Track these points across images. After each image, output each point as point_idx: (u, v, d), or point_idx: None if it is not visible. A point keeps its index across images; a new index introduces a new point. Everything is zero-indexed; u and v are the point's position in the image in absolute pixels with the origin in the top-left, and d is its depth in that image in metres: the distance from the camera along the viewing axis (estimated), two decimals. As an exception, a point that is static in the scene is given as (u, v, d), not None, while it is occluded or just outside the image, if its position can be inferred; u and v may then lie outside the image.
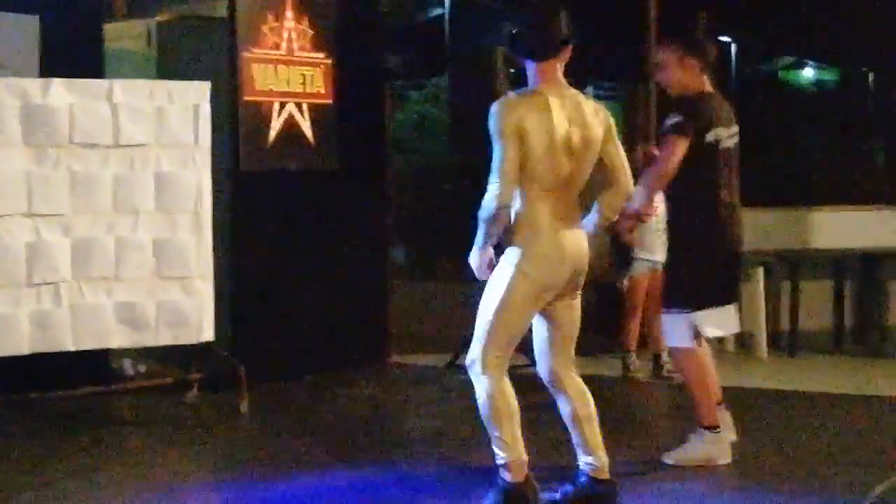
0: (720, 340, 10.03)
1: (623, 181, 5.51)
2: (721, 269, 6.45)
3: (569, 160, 5.32)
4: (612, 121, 5.51)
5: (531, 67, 5.42)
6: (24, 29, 7.89)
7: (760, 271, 9.88)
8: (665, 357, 8.60)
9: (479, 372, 5.39)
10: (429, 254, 15.60)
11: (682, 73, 6.43)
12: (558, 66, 5.40)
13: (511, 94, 5.43)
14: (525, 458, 5.38)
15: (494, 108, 5.29)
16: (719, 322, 6.49)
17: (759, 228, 10.28)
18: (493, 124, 5.25)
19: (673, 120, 6.25)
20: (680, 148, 6.20)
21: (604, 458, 5.52)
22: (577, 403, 5.51)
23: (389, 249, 10.05)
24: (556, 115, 5.29)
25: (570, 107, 5.35)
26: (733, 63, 17.25)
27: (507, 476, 5.36)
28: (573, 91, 5.44)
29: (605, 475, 5.53)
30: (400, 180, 13.75)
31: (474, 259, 5.41)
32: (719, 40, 15.63)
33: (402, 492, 5.98)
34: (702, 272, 6.37)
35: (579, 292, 5.52)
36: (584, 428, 5.51)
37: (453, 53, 10.46)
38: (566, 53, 5.42)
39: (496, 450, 5.38)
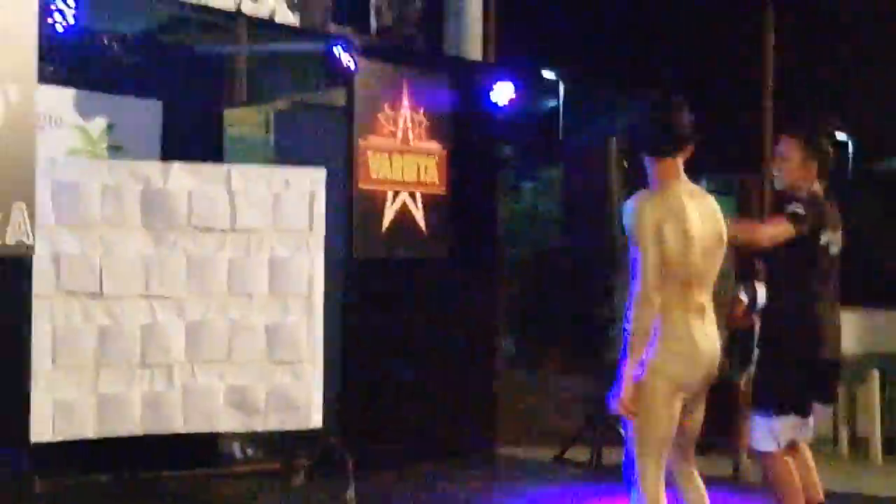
0: (834, 443, 9.85)
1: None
2: (812, 376, 6.32)
3: (703, 257, 5.27)
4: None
5: (652, 164, 5.37)
6: (147, 113, 8.06)
7: (876, 373, 9.66)
8: (745, 459, 8.46)
9: (639, 487, 5.28)
10: (538, 343, 15.52)
11: (801, 170, 6.34)
12: (680, 163, 5.37)
13: (645, 192, 5.33)
14: None
15: (632, 205, 5.23)
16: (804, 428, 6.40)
17: (875, 330, 10.10)
18: (632, 223, 5.19)
19: (794, 208, 6.15)
20: (785, 233, 6.12)
21: None
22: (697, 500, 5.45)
23: (499, 339, 10.01)
24: (691, 212, 5.25)
25: (700, 203, 5.33)
26: (850, 160, 17.03)
27: None
28: (699, 187, 5.43)
29: None
30: (511, 270, 13.71)
31: (625, 388, 5.20)
32: (837, 139, 15.49)
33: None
34: (795, 378, 6.25)
35: (705, 394, 5.44)
36: None
37: (567, 144, 10.49)
38: (689, 149, 5.39)
39: None
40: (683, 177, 5.37)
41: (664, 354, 5.20)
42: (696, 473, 5.49)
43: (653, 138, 5.37)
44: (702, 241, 5.27)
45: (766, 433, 6.27)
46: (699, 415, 5.45)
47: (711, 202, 5.41)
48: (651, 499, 5.25)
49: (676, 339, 5.23)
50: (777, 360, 6.19)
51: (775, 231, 6.16)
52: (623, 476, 5.37)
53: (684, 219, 5.22)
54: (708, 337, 5.32)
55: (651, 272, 5.11)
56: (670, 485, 5.46)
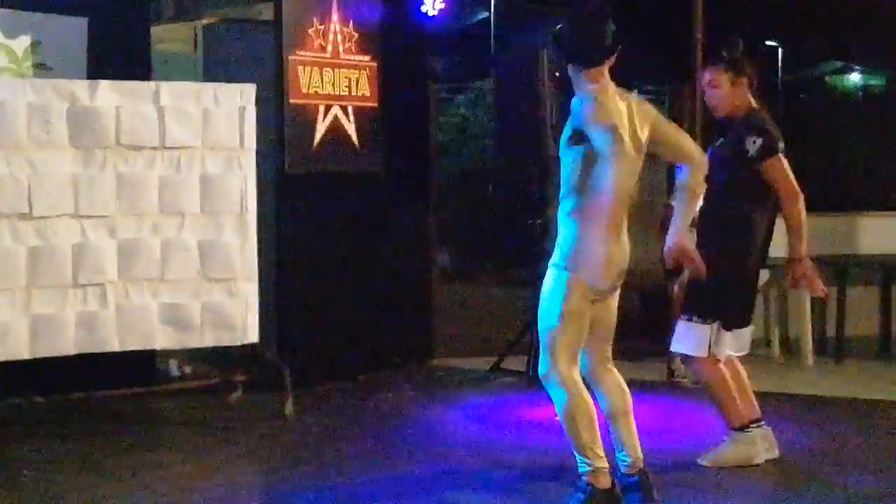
0: (767, 345, 10.00)
1: (694, 151, 5.58)
2: (752, 289, 6.53)
3: (630, 165, 5.39)
4: (653, 108, 5.56)
5: (577, 73, 5.42)
6: (73, 31, 7.95)
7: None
8: (679, 364, 8.59)
9: (555, 381, 5.45)
10: (472, 257, 15.60)
11: (734, 93, 6.48)
12: (604, 70, 5.42)
13: (594, 87, 5.37)
14: (606, 464, 5.47)
15: (588, 97, 5.30)
16: (740, 344, 6.52)
17: (806, 234, 10.22)
18: (591, 110, 5.25)
19: (757, 143, 6.30)
20: (784, 164, 6.31)
21: (637, 454, 5.58)
22: (612, 398, 5.60)
23: (433, 252, 10.05)
24: (625, 119, 5.36)
25: (627, 110, 5.41)
26: (780, 68, 17.15)
27: (592, 482, 5.43)
28: (620, 91, 5.47)
29: (636, 470, 5.57)
30: (443, 184, 13.74)
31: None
32: (766, 45, 15.57)
33: (444, 494, 5.98)
34: (736, 290, 6.44)
35: (615, 293, 5.58)
36: (619, 422, 5.58)
37: (498, 56, 10.47)
38: (613, 59, 5.45)
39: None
40: (612, 83, 5.44)
41: (579, 257, 5.38)
42: (614, 371, 5.64)
43: (579, 47, 5.40)
44: (631, 146, 5.35)
45: (702, 339, 6.38)
46: (609, 315, 5.59)
47: (636, 106, 5.47)
48: (572, 394, 5.42)
49: (585, 249, 5.39)
50: (721, 268, 6.22)
51: (784, 173, 6.33)
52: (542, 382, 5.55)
53: (621, 122, 5.32)
54: (623, 246, 5.47)
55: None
56: (592, 384, 5.62)
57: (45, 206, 6.94)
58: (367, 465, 6.55)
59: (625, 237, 5.48)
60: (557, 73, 8.65)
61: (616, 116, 5.27)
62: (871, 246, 10.57)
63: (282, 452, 6.97)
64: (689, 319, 6.43)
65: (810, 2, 14.35)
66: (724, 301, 6.41)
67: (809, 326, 9.85)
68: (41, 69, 7.78)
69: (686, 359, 6.69)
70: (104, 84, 7.14)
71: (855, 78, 19.52)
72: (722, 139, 6.52)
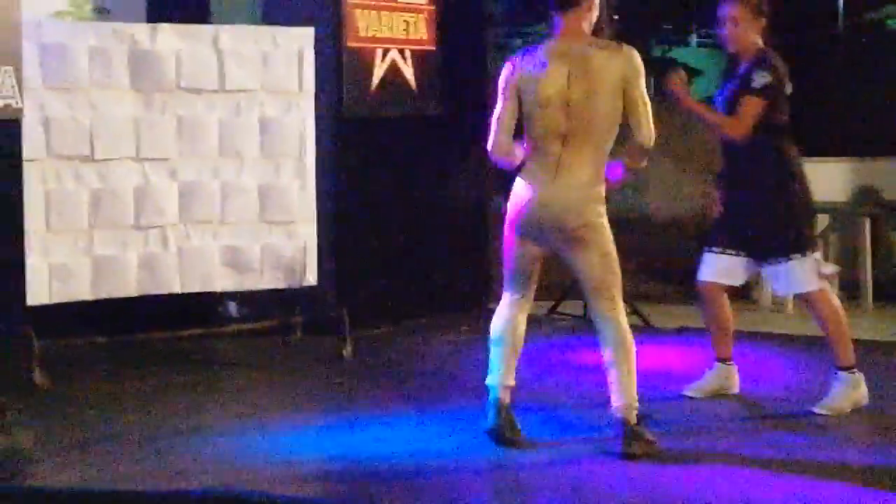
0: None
1: (639, 133, 5.58)
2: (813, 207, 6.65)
3: (565, 115, 5.49)
4: (635, 65, 5.52)
5: (554, 20, 5.58)
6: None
7: (867, 221, 9.73)
8: None
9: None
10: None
11: (752, 31, 6.44)
12: (579, 20, 5.54)
13: (518, 53, 5.74)
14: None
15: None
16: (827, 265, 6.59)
17: (868, 178, 10.15)
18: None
19: (764, 80, 6.27)
20: (760, 110, 6.27)
21: (618, 402, 5.57)
22: (603, 349, 5.63)
23: (490, 196, 10.04)
24: (551, 69, 5.49)
25: (573, 60, 5.49)
26: (840, 11, 16.92)
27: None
28: (584, 43, 5.54)
29: (621, 416, 5.56)
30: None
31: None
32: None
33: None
34: (809, 214, 6.56)
35: (586, 246, 5.55)
36: (609, 369, 5.60)
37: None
38: (585, 7, 5.54)
39: None
40: (579, 34, 5.55)
41: (511, 204, 5.68)
42: (602, 321, 5.63)
43: None
44: (561, 97, 5.48)
45: (807, 273, 6.38)
46: (585, 267, 5.60)
47: (599, 56, 5.49)
48: (493, 324, 5.86)
49: (520, 192, 5.64)
50: (795, 202, 6.40)
51: (753, 115, 6.28)
52: None
53: (541, 74, 5.51)
54: (557, 193, 5.54)
55: (498, 119, 5.71)
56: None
57: (106, 149, 7.02)
58: (423, 404, 6.61)
59: (564, 179, 5.53)
60: (616, 16, 8.61)
61: (525, 77, 5.56)
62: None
63: (337, 393, 7.03)
64: (791, 258, 6.37)
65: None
66: (809, 228, 6.50)
67: (869, 271, 9.77)
68: (101, 13, 7.82)
69: (805, 298, 6.55)
70: (164, 27, 7.19)
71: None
72: (728, 82, 6.47)
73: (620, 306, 5.66)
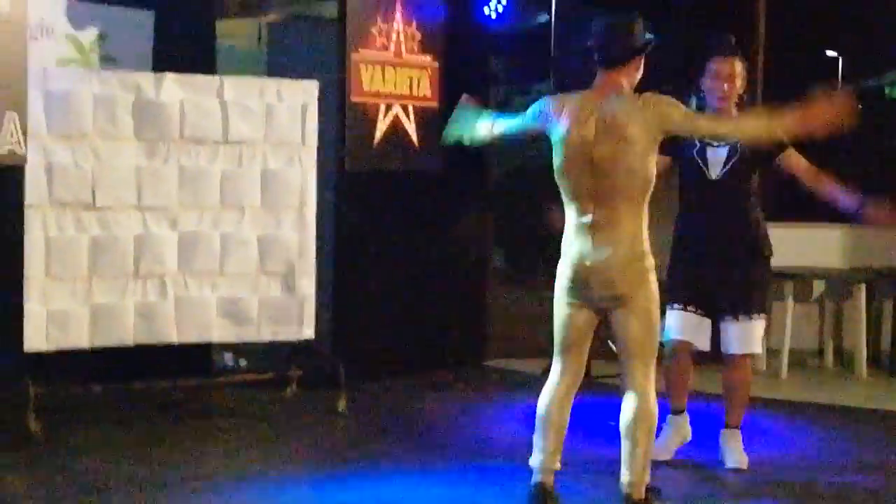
0: (820, 357, 9.95)
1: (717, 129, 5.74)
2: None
3: (592, 172, 5.34)
4: (669, 100, 5.38)
5: (597, 74, 5.49)
6: (139, 24, 8.02)
7: (863, 288, 9.75)
8: None
9: None
10: (529, 260, 15.58)
11: (741, 86, 6.55)
12: (619, 76, 5.41)
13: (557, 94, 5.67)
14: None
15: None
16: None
17: (862, 245, 10.16)
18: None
19: None
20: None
21: (626, 478, 5.41)
22: (621, 419, 5.48)
23: (489, 253, 10.07)
24: (578, 123, 5.35)
25: (601, 115, 5.33)
26: (840, 77, 17.06)
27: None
28: (615, 97, 5.39)
29: (627, 492, 5.42)
30: (502, 185, 13.74)
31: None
32: (826, 55, 15.49)
33: (492, 497, 6.01)
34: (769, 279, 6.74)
35: (630, 308, 5.40)
36: (624, 440, 5.45)
37: (558, 60, 10.46)
38: (632, 67, 5.45)
39: None
40: (613, 88, 5.40)
41: (560, 263, 5.52)
42: (632, 391, 5.45)
43: (596, 51, 5.45)
44: (585, 154, 5.33)
45: (759, 334, 6.55)
46: (624, 332, 5.43)
47: (629, 106, 5.34)
48: (539, 400, 5.58)
49: (563, 251, 5.49)
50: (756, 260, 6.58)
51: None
52: None
53: (567, 127, 5.37)
54: (597, 254, 5.36)
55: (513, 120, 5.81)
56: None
57: (108, 197, 7.03)
58: (415, 465, 6.57)
59: (603, 240, 5.36)
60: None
61: (557, 126, 5.42)
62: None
63: (332, 448, 7.01)
64: (755, 317, 6.46)
65: (870, 11, 14.26)
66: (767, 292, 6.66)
67: (864, 339, 9.78)
68: (108, 61, 7.85)
69: (743, 359, 6.60)
70: (170, 77, 7.21)
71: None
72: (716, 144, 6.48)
73: (652, 378, 5.48)
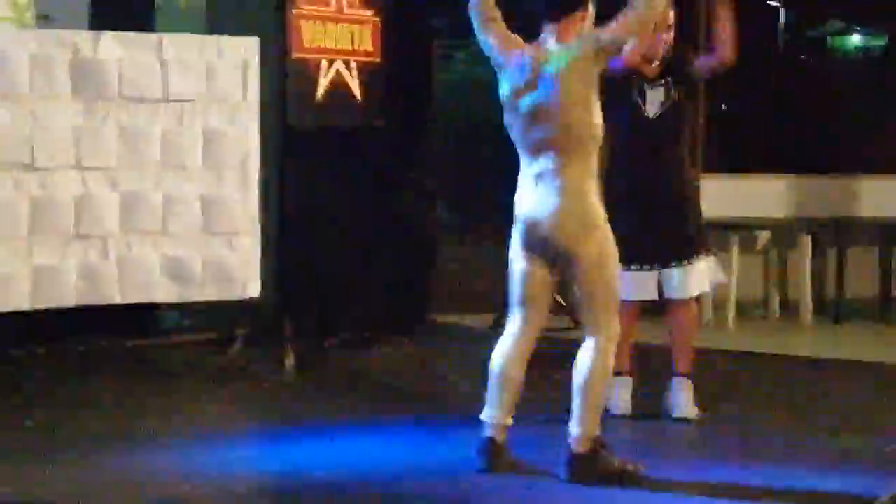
0: (765, 306, 10.03)
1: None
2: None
3: (532, 124, 5.36)
4: (590, 32, 5.40)
5: (542, 28, 5.48)
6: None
7: (808, 239, 9.82)
8: None
9: None
10: (473, 214, 15.55)
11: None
12: (569, 31, 5.38)
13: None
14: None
15: None
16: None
17: (807, 195, 10.23)
18: None
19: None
20: None
21: (576, 430, 5.36)
22: (574, 370, 5.44)
23: (434, 208, 10.04)
24: (519, 75, 5.37)
25: (539, 66, 5.34)
26: (781, 29, 17.08)
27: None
28: (555, 47, 5.38)
29: (572, 447, 5.37)
30: (446, 140, 13.68)
31: None
32: (767, 4, 15.50)
33: (437, 448, 6.02)
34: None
35: (579, 261, 5.36)
36: (574, 395, 5.41)
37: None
38: (578, 17, 5.42)
39: None
40: (550, 40, 5.40)
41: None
42: (587, 341, 5.43)
43: (538, 3, 5.47)
44: (525, 106, 5.36)
45: (711, 272, 6.62)
46: (577, 288, 5.45)
47: (554, 53, 5.36)
48: (493, 354, 5.54)
49: (515, 203, 5.49)
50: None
51: None
52: None
53: (509, 86, 5.40)
54: (537, 205, 5.37)
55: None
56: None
57: (47, 157, 6.94)
58: (362, 419, 6.57)
59: (547, 192, 5.35)
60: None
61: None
62: (872, 208, 10.53)
63: (279, 405, 7.00)
64: (696, 259, 6.48)
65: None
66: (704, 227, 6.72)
67: (809, 288, 9.86)
68: (43, 20, 7.74)
69: (687, 302, 6.61)
70: (107, 35, 7.12)
71: (856, 39, 19.43)
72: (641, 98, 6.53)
73: (610, 334, 5.42)
